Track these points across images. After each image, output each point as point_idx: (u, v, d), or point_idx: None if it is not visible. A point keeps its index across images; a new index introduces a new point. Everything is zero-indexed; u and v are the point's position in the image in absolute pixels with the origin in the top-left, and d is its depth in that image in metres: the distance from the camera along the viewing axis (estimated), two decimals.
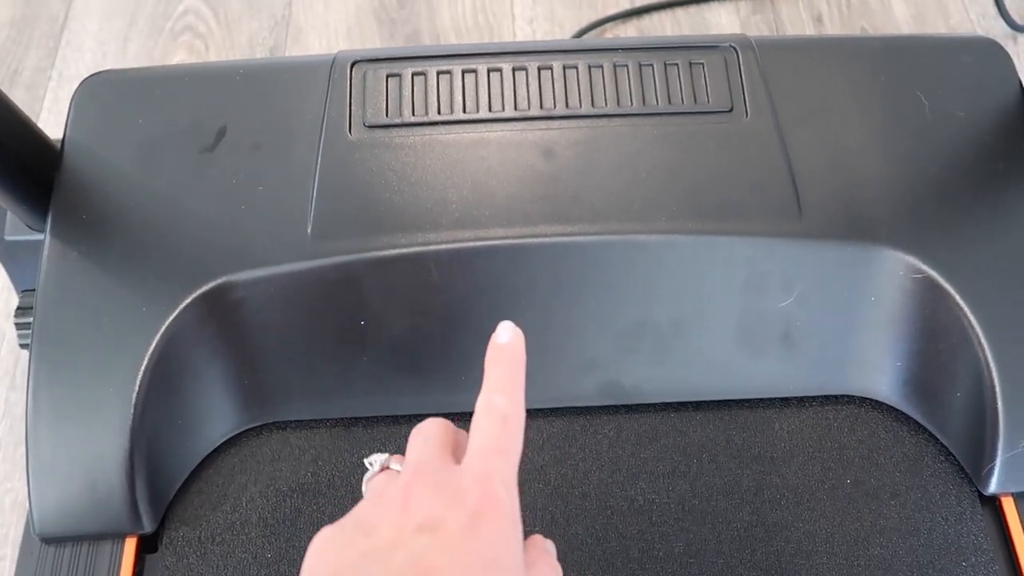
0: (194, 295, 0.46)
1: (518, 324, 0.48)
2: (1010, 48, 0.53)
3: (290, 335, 0.48)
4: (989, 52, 0.53)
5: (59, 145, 0.51)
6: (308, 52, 0.90)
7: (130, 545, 0.45)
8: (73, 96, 0.52)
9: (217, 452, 0.48)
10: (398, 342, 0.48)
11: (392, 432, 0.49)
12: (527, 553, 0.34)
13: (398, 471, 0.35)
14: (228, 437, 0.48)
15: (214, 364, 0.47)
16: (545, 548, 0.37)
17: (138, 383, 0.45)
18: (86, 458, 0.44)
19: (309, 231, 0.47)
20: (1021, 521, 0.45)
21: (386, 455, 0.36)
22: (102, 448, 0.44)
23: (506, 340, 0.38)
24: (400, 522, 0.31)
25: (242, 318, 0.47)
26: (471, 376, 0.49)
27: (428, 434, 0.35)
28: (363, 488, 0.37)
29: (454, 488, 0.32)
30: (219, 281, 0.46)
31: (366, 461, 0.37)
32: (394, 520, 0.31)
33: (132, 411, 0.44)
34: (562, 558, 0.45)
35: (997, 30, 0.90)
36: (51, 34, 0.91)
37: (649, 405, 0.49)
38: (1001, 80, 0.52)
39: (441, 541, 0.30)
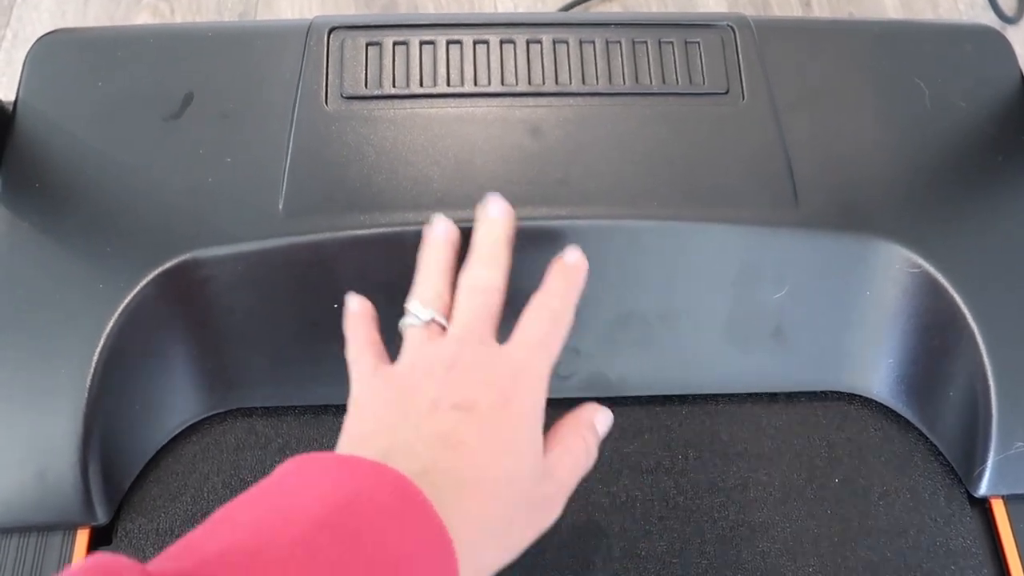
0: (155, 272, 0.43)
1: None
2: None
3: (258, 317, 0.45)
4: (991, 41, 0.51)
5: (11, 108, 0.47)
6: (280, 19, 0.86)
7: (82, 537, 0.42)
8: (27, 55, 0.49)
9: (178, 440, 0.45)
10: None
11: None
12: (559, 428, 0.38)
13: (442, 326, 0.39)
14: (190, 424, 0.46)
15: (176, 346, 0.44)
16: (580, 421, 0.39)
17: (93, 365, 0.42)
18: (36, 444, 0.41)
19: (280, 207, 0.45)
20: (1011, 524, 0.44)
21: (432, 311, 0.39)
22: (53, 434, 0.41)
23: (573, 261, 0.41)
24: (439, 395, 0.35)
25: (207, 298, 0.44)
26: None
27: (480, 300, 0.39)
28: (401, 329, 0.40)
29: (492, 372, 0.36)
30: (183, 258, 0.43)
31: (409, 307, 0.39)
32: (435, 391, 0.35)
33: (86, 395, 0.41)
34: (540, 556, 0.44)
35: (985, 21, 0.89)
36: None
37: (633, 398, 0.48)
38: (1003, 70, 0.50)
39: (472, 420, 0.34)
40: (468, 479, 0.33)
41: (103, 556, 0.26)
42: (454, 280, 0.40)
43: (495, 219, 0.41)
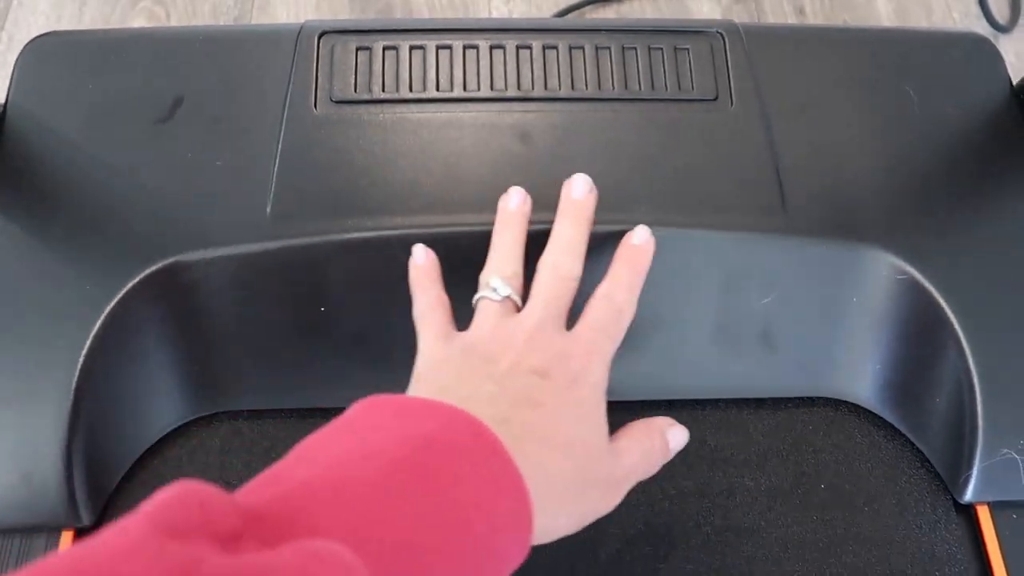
0: (142, 275, 0.43)
1: None
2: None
3: (245, 321, 0.45)
4: (980, 48, 0.51)
5: (0, 110, 0.48)
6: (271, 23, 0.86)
7: (66, 539, 0.42)
8: (18, 58, 0.49)
9: (163, 442, 0.45)
10: (360, 330, 0.46)
11: None
12: (631, 424, 0.40)
13: (516, 303, 0.40)
14: (176, 426, 0.45)
15: (162, 349, 0.44)
16: (653, 424, 0.40)
17: (79, 367, 0.42)
18: (20, 446, 0.41)
19: (269, 211, 0.45)
20: (996, 531, 0.44)
21: (511, 289, 0.40)
22: (38, 436, 0.41)
23: (640, 242, 0.42)
24: (518, 360, 0.36)
25: (194, 301, 0.44)
26: None
27: (560, 286, 0.40)
28: (475, 302, 0.41)
29: (564, 351, 0.37)
30: (169, 261, 0.43)
31: (490, 282, 0.40)
32: (513, 358, 0.36)
33: (71, 397, 0.41)
34: (524, 562, 0.44)
35: (979, 29, 0.89)
36: None
37: (620, 403, 0.47)
38: (991, 78, 0.51)
39: (549, 386, 0.36)
40: (547, 436, 0.34)
41: (191, 482, 0.26)
42: (524, 256, 0.42)
43: (579, 201, 0.42)
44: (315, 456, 0.30)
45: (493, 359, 0.37)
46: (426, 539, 0.28)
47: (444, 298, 0.42)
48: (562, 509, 0.35)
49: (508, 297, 0.40)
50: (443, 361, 0.38)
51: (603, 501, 0.37)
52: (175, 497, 0.25)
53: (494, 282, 0.40)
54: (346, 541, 0.26)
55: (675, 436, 0.40)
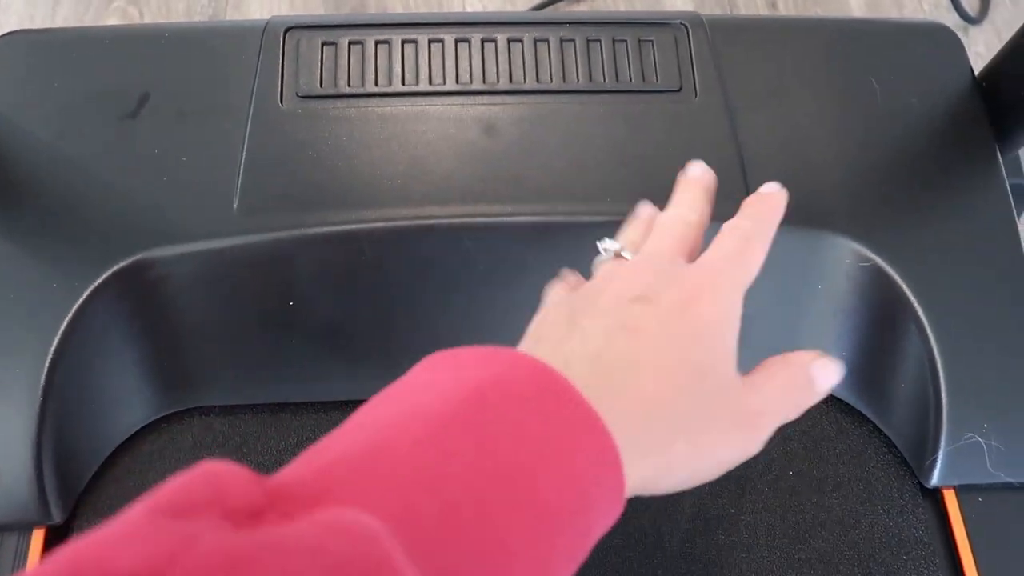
0: (109, 272, 0.43)
1: (453, 307, 0.46)
2: (961, 39, 0.52)
3: (214, 316, 0.45)
4: (942, 38, 0.52)
5: None
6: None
7: (37, 537, 0.42)
8: None
9: (134, 438, 0.45)
10: (329, 324, 0.46)
11: (322, 418, 0.46)
12: (771, 359, 0.34)
13: (629, 259, 0.36)
14: (147, 423, 0.46)
15: (131, 345, 0.44)
16: (790, 358, 0.35)
17: (47, 365, 0.42)
18: None
19: (235, 206, 0.45)
20: (962, 514, 0.45)
21: (620, 244, 0.37)
22: (7, 434, 0.41)
23: (772, 190, 0.38)
24: (620, 293, 0.33)
25: (162, 297, 0.44)
26: (406, 360, 0.47)
27: (674, 231, 0.36)
28: (592, 269, 0.38)
29: (675, 275, 0.33)
30: (136, 257, 0.43)
31: (600, 245, 0.37)
32: (616, 291, 0.33)
33: (40, 394, 0.41)
34: None
35: (948, 22, 0.90)
36: None
37: None
38: (953, 67, 0.51)
39: (653, 311, 0.32)
40: (642, 362, 0.30)
41: (210, 462, 0.23)
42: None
43: (694, 177, 0.39)
44: (364, 422, 0.28)
45: (595, 295, 0.33)
46: (478, 505, 0.25)
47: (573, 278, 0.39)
48: (674, 441, 0.30)
49: (620, 252, 0.36)
50: (551, 308, 0.35)
51: (739, 438, 0.32)
52: (183, 478, 0.23)
53: (603, 244, 0.37)
54: (376, 511, 0.23)
55: (822, 370, 0.34)
